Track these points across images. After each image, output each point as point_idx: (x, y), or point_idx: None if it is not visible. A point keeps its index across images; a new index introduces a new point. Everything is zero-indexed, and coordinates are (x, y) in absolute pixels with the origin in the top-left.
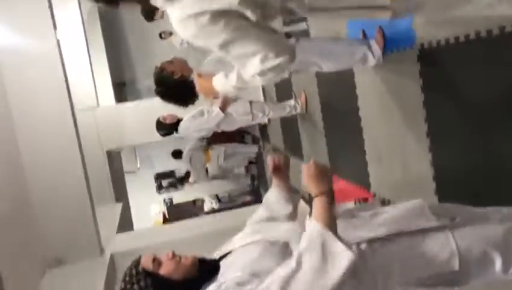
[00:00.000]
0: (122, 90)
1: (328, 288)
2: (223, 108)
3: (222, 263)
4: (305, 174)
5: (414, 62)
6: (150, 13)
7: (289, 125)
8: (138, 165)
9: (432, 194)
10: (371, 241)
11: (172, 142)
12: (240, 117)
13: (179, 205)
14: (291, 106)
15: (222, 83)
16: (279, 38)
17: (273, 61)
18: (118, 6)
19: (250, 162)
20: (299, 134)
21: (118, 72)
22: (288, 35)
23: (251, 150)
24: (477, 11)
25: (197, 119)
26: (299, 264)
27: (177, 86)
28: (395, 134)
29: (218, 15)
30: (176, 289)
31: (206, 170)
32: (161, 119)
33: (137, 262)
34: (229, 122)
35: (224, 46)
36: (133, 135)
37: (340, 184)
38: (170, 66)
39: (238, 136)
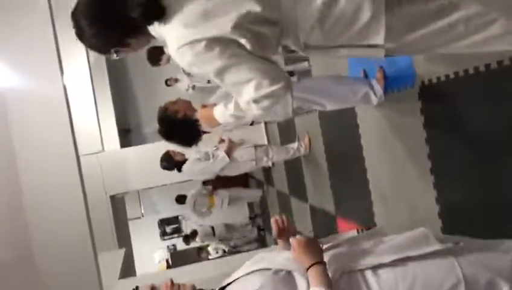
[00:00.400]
0: (127, 136)
1: None
2: (228, 153)
3: None
4: (295, 249)
5: (415, 99)
6: (156, 59)
7: (293, 167)
8: (142, 211)
9: (438, 232)
10: (375, 268)
11: (176, 187)
12: (244, 162)
13: (182, 251)
14: (295, 149)
15: (221, 113)
16: (274, 67)
17: (267, 89)
18: (121, 53)
19: (256, 216)
20: (303, 176)
21: (123, 118)
22: (290, 73)
23: (255, 194)
24: (474, 48)
25: (202, 163)
26: None
27: (180, 126)
28: (399, 172)
29: (214, 42)
30: None
31: (213, 229)
32: (170, 153)
33: None
34: (234, 167)
35: (219, 73)
36: (137, 179)
37: (345, 226)
38: (173, 105)
39: (242, 180)
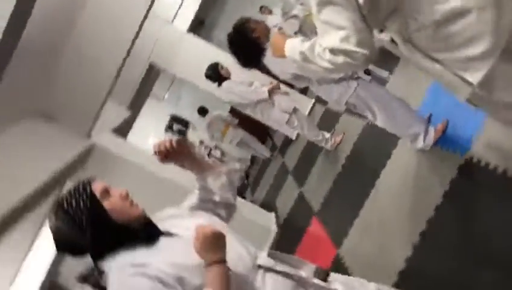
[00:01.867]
0: (198, 26)
1: None
2: (270, 92)
3: (162, 240)
4: (198, 239)
5: (454, 168)
6: None
7: (310, 152)
8: (165, 96)
9: (389, 286)
10: None
11: (207, 99)
12: (278, 110)
13: None
14: (325, 138)
15: (293, 46)
16: (369, 34)
17: (351, 46)
18: None
19: (248, 172)
20: (313, 165)
21: (205, 9)
22: (367, 71)
23: (264, 152)
24: None
25: (243, 86)
26: None
27: (249, 42)
28: (393, 216)
29: None
30: (108, 229)
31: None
32: (219, 65)
33: (89, 181)
34: (267, 108)
35: (322, 3)
36: (180, 66)
37: (316, 228)
38: (255, 24)
39: (262, 134)
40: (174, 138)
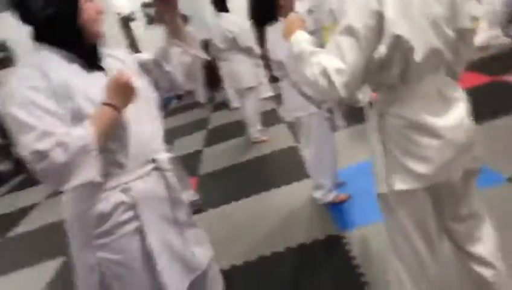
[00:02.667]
0: None
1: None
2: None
3: (94, 72)
4: (114, 80)
5: (323, 233)
6: None
7: (233, 129)
8: None
9: None
10: None
11: None
12: (246, 73)
13: None
14: (256, 128)
15: (301, 39)
16: (358, 85)
17: (337, 81)
18: None
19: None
20: (227, 140)
21: None
22: (330, 109)
23: (201, 95)
24: None
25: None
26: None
27: (270, 5)
28: (253, 225)
29: (377, 13)
30: (66, 23)
31: None
32: None
33: None
34: (236, 66)
35: (346, 30)
36: None
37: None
38: None
39: (214, 80)
40: None
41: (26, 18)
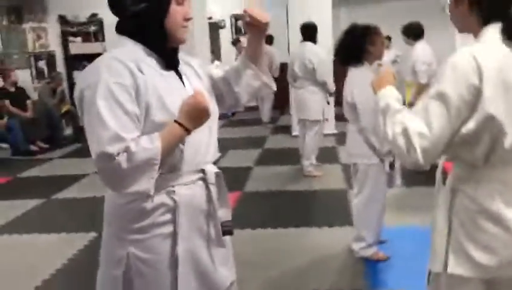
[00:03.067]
0: None
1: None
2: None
3: (169, 73)
4: (192, 100)
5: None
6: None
7: (282, 156)
8: None
9: None
10: None
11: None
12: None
13: None
14: (310, 161)
15: (390, 94)
16: (438, 154)
17: (418, 145)
18: None
19: None
20: (277, 165)
21: None
22: (392, 165)
23: (266, 115)
24: None
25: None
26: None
27: (362, 49)
28: None
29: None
30: (153, 22)
31: None
32: None
33: None
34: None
35: (438, 95)
36: None
37: None
38: (379, 38)
39: (282, 103)
40: (267, 15)
41: (116, 10)
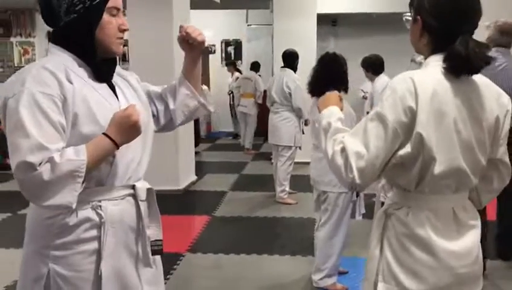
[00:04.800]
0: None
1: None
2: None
3: (101, 86)
4: (123, 113)
5: None
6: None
7: (257, 181)
8: None
9: None
10: None
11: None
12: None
13: None
14: (284, 189)
15: (333, 113)
16: (374, 176)
17: (354, 165)
18: None
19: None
20: (252, 191)
21: None
22: (358, 193)
23: (248, 142)
24: None
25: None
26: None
27: (339, 74)
28: None
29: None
30: (84, 31)
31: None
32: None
33: None
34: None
35: (377, 116)
36: None
37: None
38: (336, 66)
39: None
40: (202, 34)
41: (49, 20)
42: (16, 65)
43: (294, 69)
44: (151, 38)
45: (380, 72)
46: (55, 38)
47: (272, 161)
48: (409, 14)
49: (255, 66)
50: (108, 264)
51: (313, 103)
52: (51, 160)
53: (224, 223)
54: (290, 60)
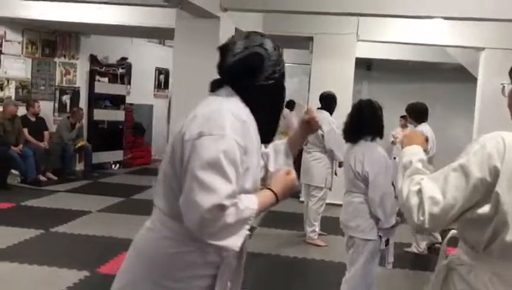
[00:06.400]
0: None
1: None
2: None
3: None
4: (288, 179)
5: None
6: None
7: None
8: None
9: None
10: None
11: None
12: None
13: None
14: (314, 230)
15: (417, 152)
16: (444, 225)
17: (428, 209)
18: None
19: None
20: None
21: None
22: (388, 241)
23: None
24: None
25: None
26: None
27: (376, 121)
28: None
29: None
30: (269, 103)
31: None
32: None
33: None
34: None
35: (458, 168)
36: None
37: None
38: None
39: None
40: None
41: (247, 80)
42: (57, 84)
43: (331, 112)
44: (196, 67)
45: (423, 121)
46: (240, 92)
47: (302, 199)
48: (507, 82)
49: (290, 105)
50: None
51: (349, 147)
52: (235, 205)
53: (249, 260)
54: (328, 102)
